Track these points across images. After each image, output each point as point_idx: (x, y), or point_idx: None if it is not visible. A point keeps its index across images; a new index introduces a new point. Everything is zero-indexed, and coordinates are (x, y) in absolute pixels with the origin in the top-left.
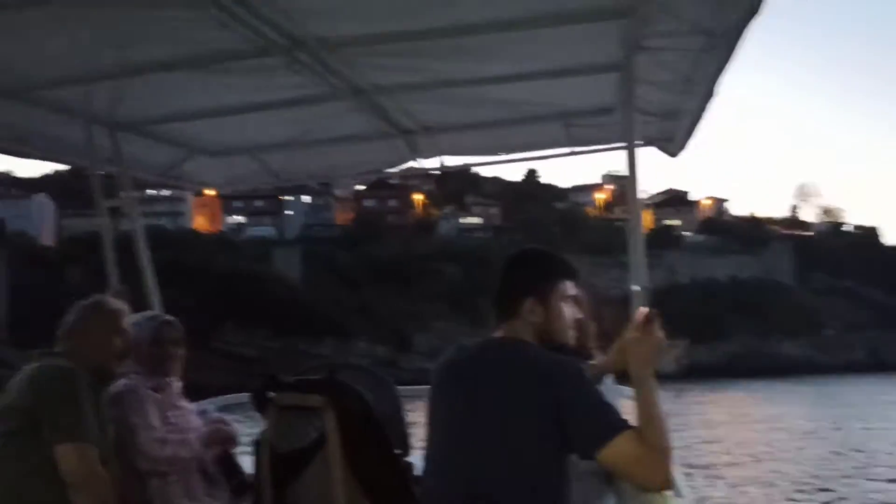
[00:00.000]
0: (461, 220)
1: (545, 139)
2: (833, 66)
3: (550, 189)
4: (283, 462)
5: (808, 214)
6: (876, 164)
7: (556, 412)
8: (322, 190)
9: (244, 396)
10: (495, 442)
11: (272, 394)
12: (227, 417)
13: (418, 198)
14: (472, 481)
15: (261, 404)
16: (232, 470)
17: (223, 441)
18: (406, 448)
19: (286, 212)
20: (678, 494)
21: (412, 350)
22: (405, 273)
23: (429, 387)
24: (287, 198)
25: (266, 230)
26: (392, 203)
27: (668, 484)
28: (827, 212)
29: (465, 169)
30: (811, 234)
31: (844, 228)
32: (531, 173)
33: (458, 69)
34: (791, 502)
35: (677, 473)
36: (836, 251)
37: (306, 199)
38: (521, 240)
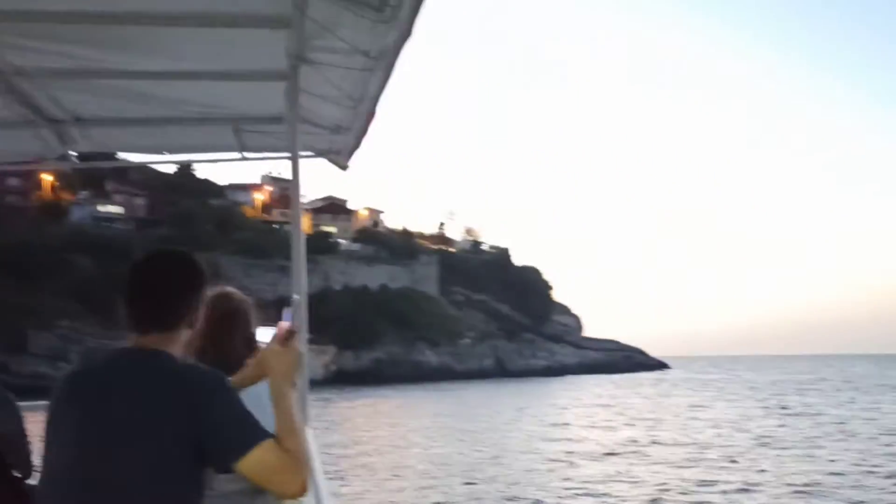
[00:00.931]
0: (99, 208)
1: (214, 142)
2: (480, 98)
3: (206, 184)
4: None
5: (453, 232)
6: (510, 190)
7: (194, 424)
8: None
9: None
10: (128, 459)
11: None
12: None
13: (47, 179)
14: (101, 502)
15: None
16: None
17: None
18: (28, 470)
19: None
20: (319, 500)
21: (27, 351)
22: (25, 263)
23: (50, 400)
24: None
25: None
26: (13, 182)
27: (304, 490)
28: (469, 231)
29: (108, 155)
30: (454, 250)
31: (482, 247)
32: (185, 165)
33: (115, 60)
34: None
35: (320, 479)
36: (474, 267)
37: None
38: (170, 235)
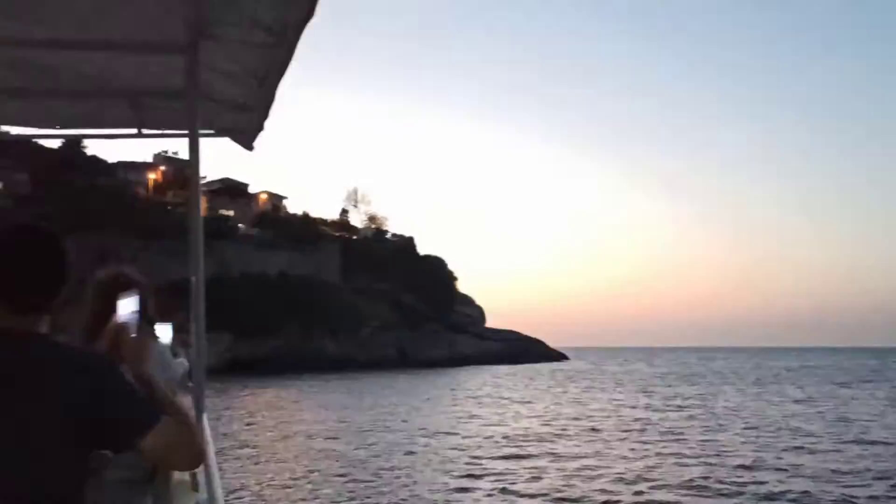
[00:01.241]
0: None
1: (109, 117)
2: (389, 79)
3: (95, 162)
4: None
5: (356, 219)
6: (416, 176)
7: (88, 407)
8: None
9: None
10: (14, 453)
11: None
12: None
13: None
14: None
15: None
16: None
17: None
18: None
19: None
20: (213, 490)
21: None
22: None
23: None
24: None
25: None
26: None
27: (203, 458)
28: (372, 218)
29: None
30: (357, 237)
31: (387, 235)
32: (73, 141)
33: (2, 26)
34: None
35: (213, 467)
36: (378, 255)
37: None
38: (55, 214)
